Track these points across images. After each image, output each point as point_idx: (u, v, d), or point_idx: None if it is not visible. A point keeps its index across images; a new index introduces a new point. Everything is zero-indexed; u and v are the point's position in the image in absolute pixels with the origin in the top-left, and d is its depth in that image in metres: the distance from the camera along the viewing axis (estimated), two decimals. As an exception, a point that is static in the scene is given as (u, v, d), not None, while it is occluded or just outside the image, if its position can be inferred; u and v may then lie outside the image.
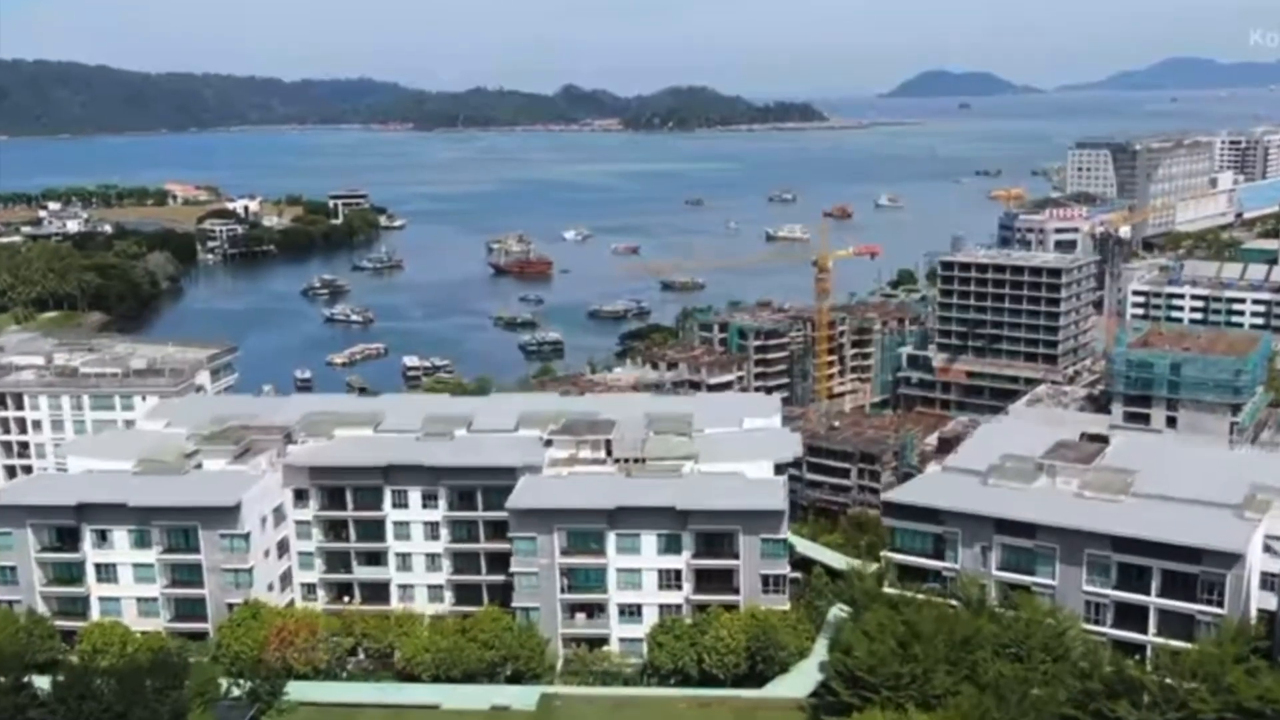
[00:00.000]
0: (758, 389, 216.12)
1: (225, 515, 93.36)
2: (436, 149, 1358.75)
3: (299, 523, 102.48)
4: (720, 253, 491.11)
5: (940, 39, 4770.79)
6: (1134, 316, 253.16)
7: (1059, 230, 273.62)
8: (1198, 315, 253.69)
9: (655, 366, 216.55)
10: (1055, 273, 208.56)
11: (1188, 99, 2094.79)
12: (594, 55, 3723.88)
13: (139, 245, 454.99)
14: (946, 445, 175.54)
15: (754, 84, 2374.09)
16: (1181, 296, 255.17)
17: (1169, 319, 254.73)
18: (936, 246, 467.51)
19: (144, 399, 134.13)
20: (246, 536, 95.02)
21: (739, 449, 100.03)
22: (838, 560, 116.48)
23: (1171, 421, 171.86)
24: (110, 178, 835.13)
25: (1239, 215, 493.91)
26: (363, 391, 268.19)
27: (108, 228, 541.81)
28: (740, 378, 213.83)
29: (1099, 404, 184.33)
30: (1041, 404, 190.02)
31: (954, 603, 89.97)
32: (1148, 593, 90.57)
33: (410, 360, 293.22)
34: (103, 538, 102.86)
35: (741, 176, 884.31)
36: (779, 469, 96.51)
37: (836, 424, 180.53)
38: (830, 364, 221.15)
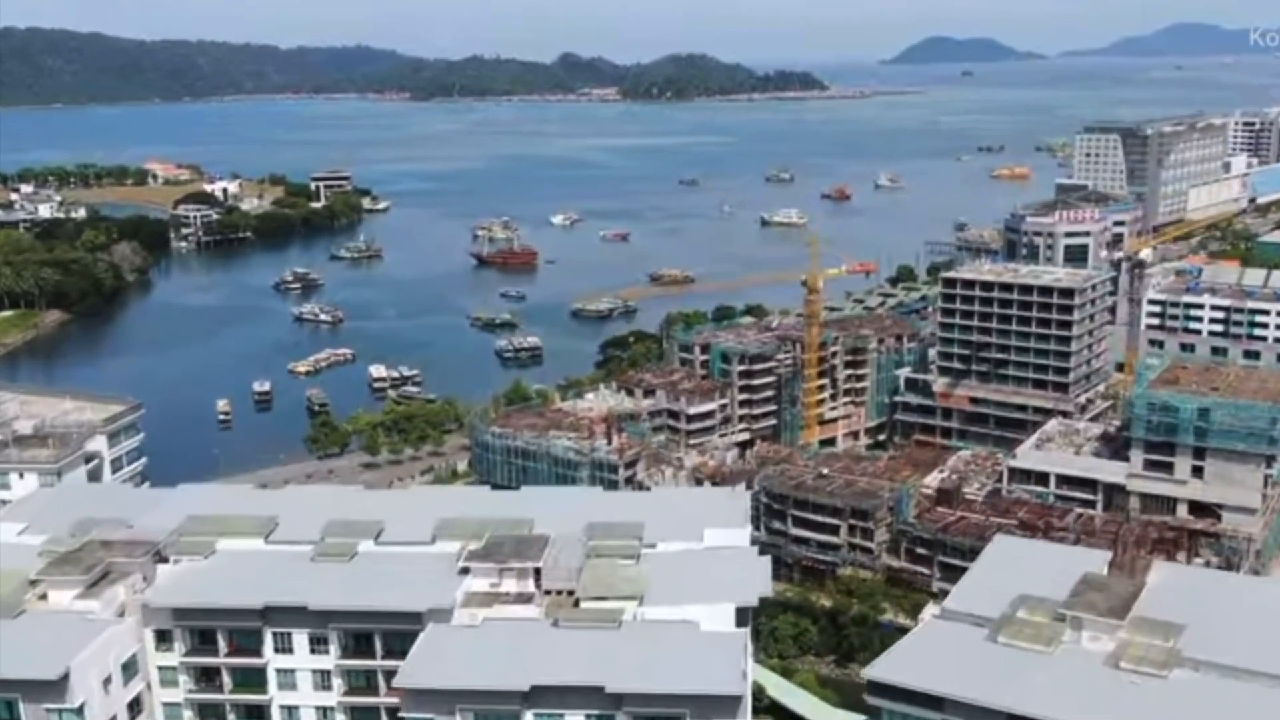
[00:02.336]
0: (742, 417, 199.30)
1: (51, 686, 75.85)
2: (431, 121, 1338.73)
3: (163, 668, 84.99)
4: (715, 239, 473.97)
5: (943, 4, 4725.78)
6: (1150, 327, 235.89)
7: (1069, 234, 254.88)
8: (1218, 327, 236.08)
9: (631, 394, 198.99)
10: (1067, 293, 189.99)
11: (1193, 66, 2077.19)
12: (593, 21, 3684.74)
13: (108, 235, 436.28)
14: (946, 498, 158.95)
15: (755, 51, 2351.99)
16: (1200, 307, 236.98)
17: (1186, 329, 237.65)
18: (938, 231, 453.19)
19: (21, 476, 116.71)
20: (80, 710, 76.90)
21: (695, 582, 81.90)
22: (816, 710, 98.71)
23: (1198, 471, 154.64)
24: (97, 151, 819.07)
25: (1252, 200, 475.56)
26: (322, 408, 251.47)
27: (81, 211, 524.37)
28: (723, 406, 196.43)
29: (1115, 446, 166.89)
30: (1052, 443, 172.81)
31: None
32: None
33: (377, 371, 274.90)
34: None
35: (738, 152, 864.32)
36: (741, 615, 78.66)
37: (825, 470, 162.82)
38: (821, 388, 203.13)
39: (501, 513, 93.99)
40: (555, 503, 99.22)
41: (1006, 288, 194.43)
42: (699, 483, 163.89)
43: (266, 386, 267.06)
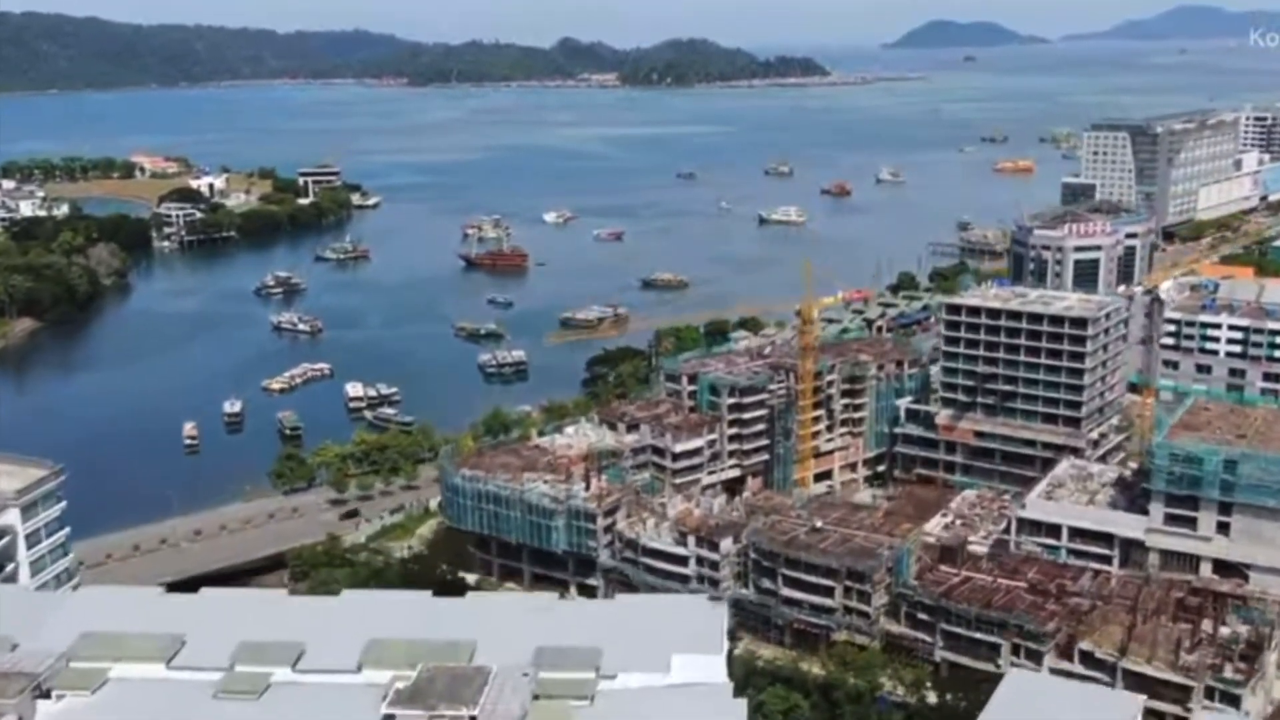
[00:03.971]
0: (732, 452, 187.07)
1: None
2: (427, 108, 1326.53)
3: (38, 826, 73.23)
4: (711, 238, 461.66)
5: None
6: (1164, 346, 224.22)
7: (1079, 249, 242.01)
8: (1236, 348, 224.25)
9: (614, 428, 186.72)
10: (1080, 323, 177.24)
11: (1196, 50, 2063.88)
12: (593, 5, 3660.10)
13: (87, 235, 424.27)
14: (949, 555, 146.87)
15: (756, 35, 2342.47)
16: (1218, 326, 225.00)
17: (1203, 350, 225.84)
18: (940, 230, 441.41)
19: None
20: None
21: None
22: None
23: (1223, 528, 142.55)
24: (88, 141, 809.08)
25: (1264, 198, 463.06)
26: (294, 431, 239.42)
27: (64, 208, 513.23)
28: (711, 442, 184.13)
29: (1133, 494, 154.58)
30: (1064, 489, 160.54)
31: None
32: None
33: (353, 389, 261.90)
34: None
35: (738, 142, 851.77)
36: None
37: (819, 523, 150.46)
38: (816, 420, 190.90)
39: (441, 629, 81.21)
40: (503, 616, 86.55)
41: (1014, 316, 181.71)
42: (682, 536, 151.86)
43: (237, 407, 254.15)
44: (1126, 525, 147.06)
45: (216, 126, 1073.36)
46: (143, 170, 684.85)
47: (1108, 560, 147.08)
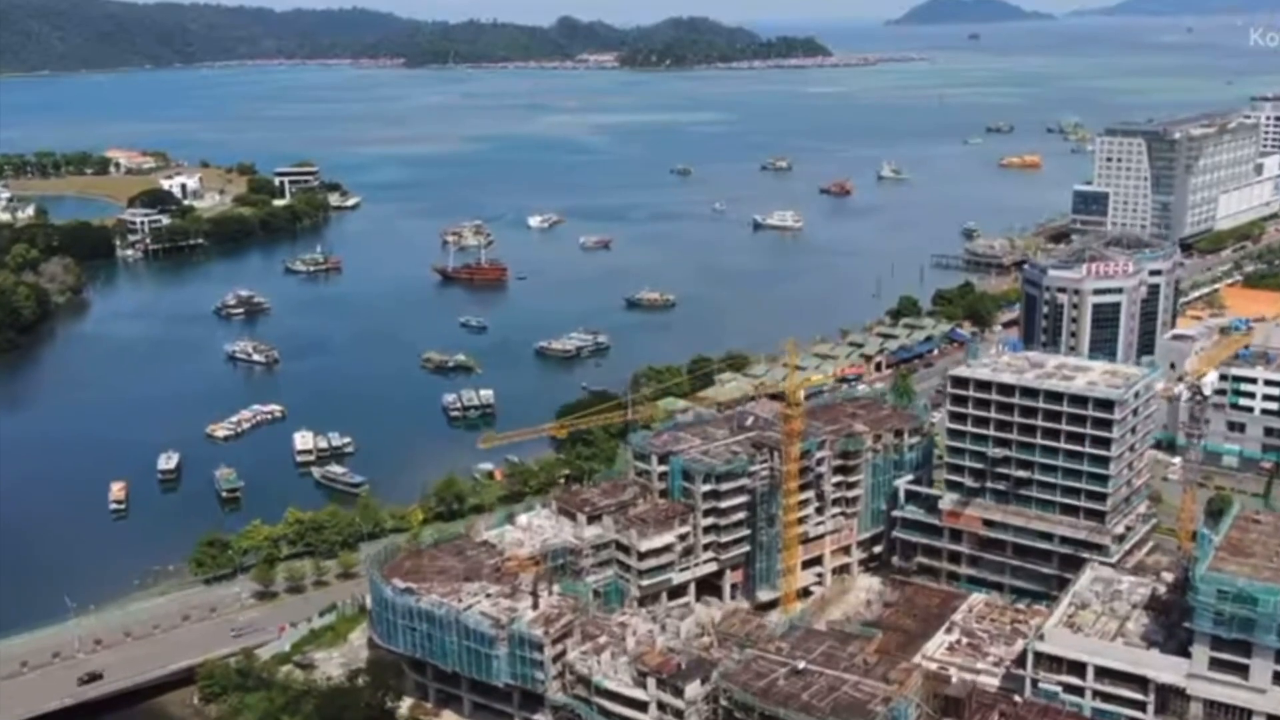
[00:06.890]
0: (708, 545, 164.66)
1: None
2: (422, 93, 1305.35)
3: None
4: (702, 247, 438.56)
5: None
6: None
7: (1098, 291, 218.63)
8: (1272, 405, 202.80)
9: (573, 518, 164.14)
10: (1105, 404, 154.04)
11: (1203, 29, 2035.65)
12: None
13: (46, 245, 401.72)
14: (955, 709, 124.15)
15: (758, 11, 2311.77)
16: (1253, 381, 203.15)
17: (1236, 406, 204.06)
18: (944, 236, 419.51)
19: None
20: None
21: None
22: None
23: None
24: (70, 129, 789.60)
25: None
26: (232, 492, 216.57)
27: (30, 210, 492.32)
28: (684, 535, 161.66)
29: (1169, 618, 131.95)
30: (1089, 610, 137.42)
31: None
32: None
33: (302, 440, 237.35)
34: None
35: (736, 132, 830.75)
36: None
37: (802, 665, 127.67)
38: (804, 503, 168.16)
39: None
40: None
41: (1030, 393, 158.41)
42: (642, 676, 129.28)
43: (173, 463, 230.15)
44: (1164, 669, 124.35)
45: (203, 113, 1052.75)
46: (118, 166, 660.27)
47: (1141, 707, 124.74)
